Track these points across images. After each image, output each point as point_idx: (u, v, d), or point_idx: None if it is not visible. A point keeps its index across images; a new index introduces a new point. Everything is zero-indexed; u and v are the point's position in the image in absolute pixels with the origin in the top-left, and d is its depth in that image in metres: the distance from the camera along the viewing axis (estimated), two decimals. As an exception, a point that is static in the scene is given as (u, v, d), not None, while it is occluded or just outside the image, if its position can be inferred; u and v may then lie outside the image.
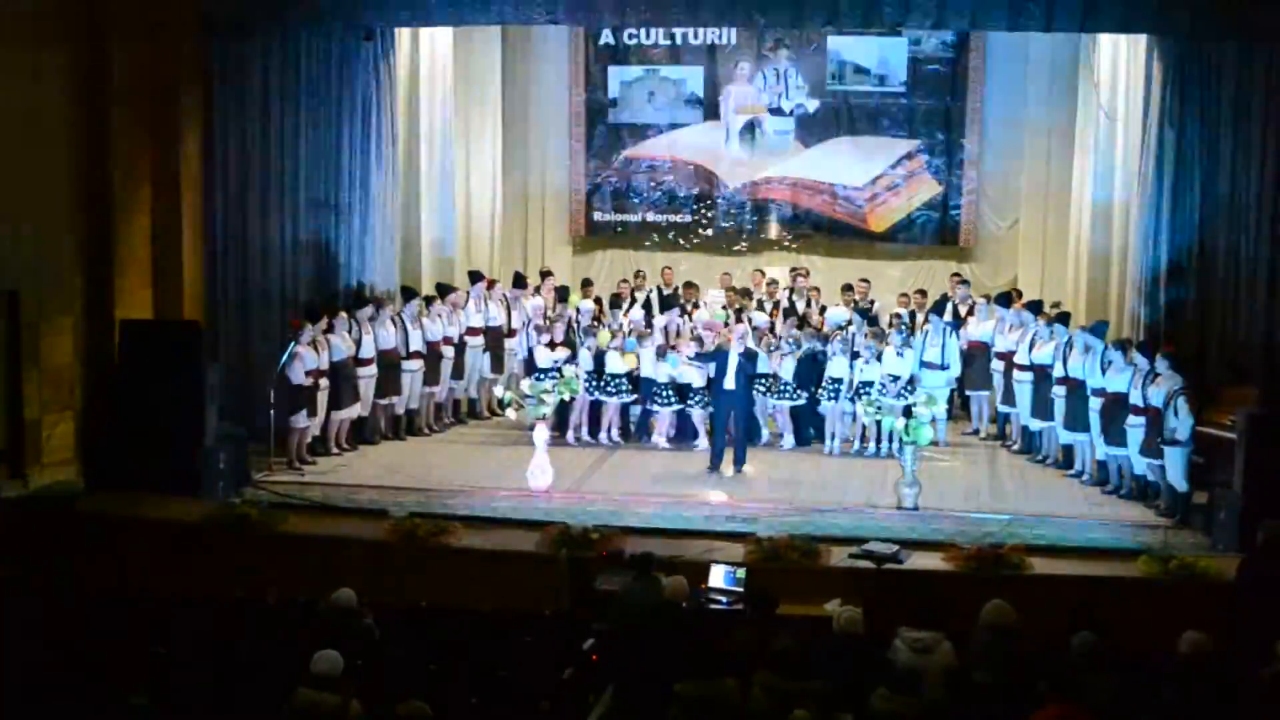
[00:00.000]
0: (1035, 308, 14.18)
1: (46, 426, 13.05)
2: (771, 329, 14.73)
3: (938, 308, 14.79)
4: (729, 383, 13.34)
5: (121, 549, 11.47)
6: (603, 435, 14.56)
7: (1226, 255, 13.28)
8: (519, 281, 15.95)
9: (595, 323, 15.00)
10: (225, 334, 14.34)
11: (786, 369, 13.99)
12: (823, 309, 15.46)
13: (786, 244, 17.40)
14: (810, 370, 14.09)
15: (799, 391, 14.09)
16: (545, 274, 16.43)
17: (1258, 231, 13.15)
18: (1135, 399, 12.11)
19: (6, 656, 8.11)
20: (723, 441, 13.52)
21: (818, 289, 16.10)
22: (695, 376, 14.01)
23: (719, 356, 13.48)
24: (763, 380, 14.07)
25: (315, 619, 8.76)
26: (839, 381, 13.95)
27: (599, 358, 14.25)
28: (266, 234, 14.39)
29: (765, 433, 14.49)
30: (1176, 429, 11.62)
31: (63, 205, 13.29)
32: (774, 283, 16.15)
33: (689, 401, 14.20)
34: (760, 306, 15.46)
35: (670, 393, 14.18)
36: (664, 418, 14.29)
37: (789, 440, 14.27)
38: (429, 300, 14.94)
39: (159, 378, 12.51)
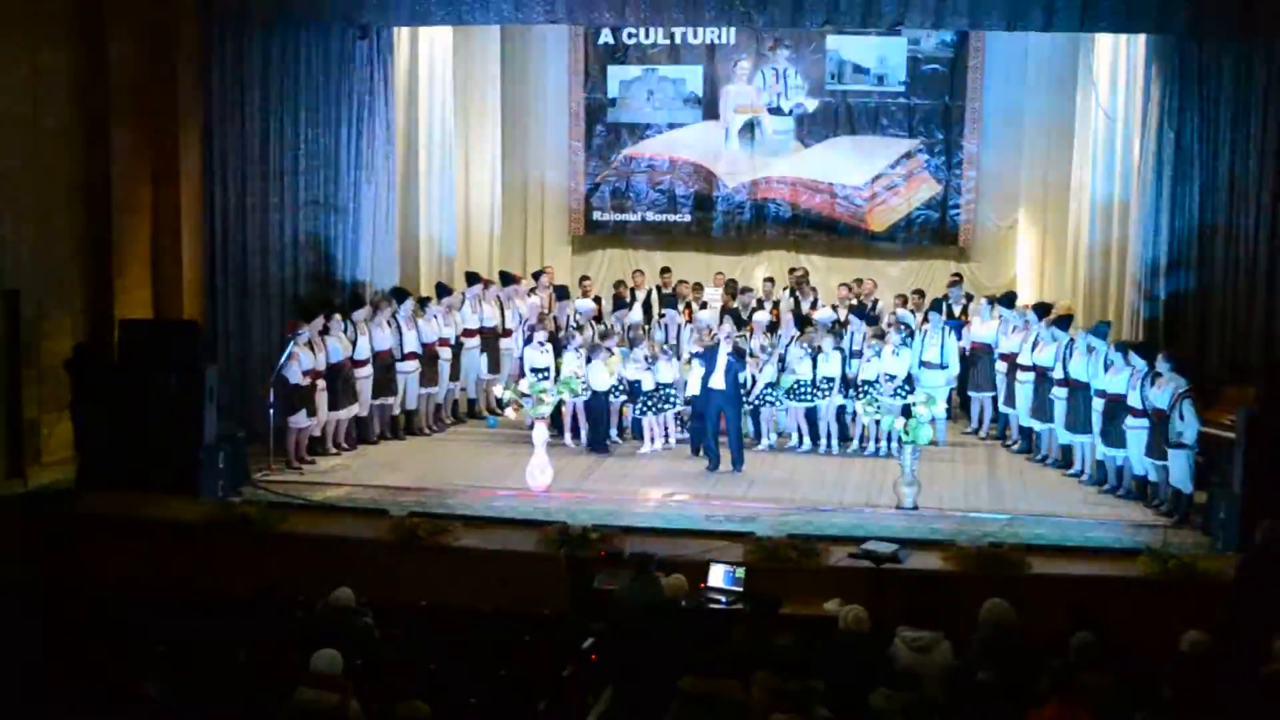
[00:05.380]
0: (1043, 310, 14.18)
1: (46, 425, 13.05)
2: (772, 328, 14.72)
3: (936, 306, 14.80)
4: (716, 381, 13.32)
5: (121, 549, 11.47)
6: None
7: (1226, 254, 13.29)
8: (507, 279, 15.95)
9: (594, 323, 15.00)
10: (225, 334, 14.34)
11: (802, 369, 13.96)
12: (813, 305, 15.53)
13: (785, 244, 17.44)
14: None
15: (815, 392, 14.06)
16: (538, 274, 16.44)
17: (1257, 231, 13.16)
18: (1134, 400, 12.10)
19: (5, 655, 8.11)
20: (716, 442, 13.51)
21: (815, 288, 16.14)
22: (645, 377, 13.97)
23: (708, 355, 13.48)
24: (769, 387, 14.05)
25: (314, 618, 8.78)
26: (830, 380, 13.95)
27: (589, 360, 14.20)
28: (266, 233, 14.38)
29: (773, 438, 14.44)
30: (1183, 433, 11.60)
31: (63, 205, 13.30)
32: (770, 280, 16.19)
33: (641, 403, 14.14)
34: (760, 306, 15.46)
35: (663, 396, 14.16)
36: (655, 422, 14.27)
37: (805, 441, 14.24)
38: (424, 301, 14.93)
39: (158, 377, 12.52)
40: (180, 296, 14.20)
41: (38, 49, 12.88)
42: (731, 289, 15.88)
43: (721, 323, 14.35)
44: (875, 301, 15.69)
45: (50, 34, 13.04)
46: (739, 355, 13.51)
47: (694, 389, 13.63)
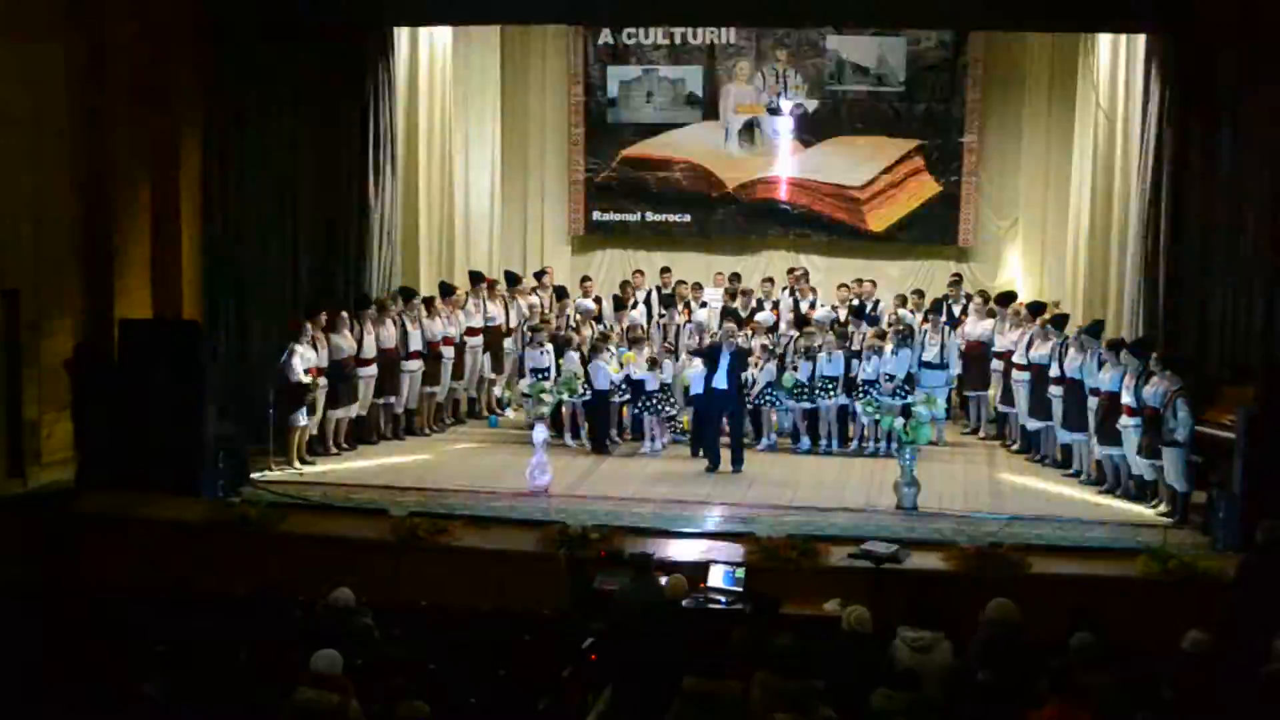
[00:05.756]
0: (1038, 309, 14.18)
1: (46, 425, 13.05)
2: (773, 328, 14.72)
3: (936, 307, 14.81)
4: (719, 381, 13.31)
5: (121, 549, 11.48)
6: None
7: (1225, 254, 13.28)
8: (512, 279, 15.96)
9: (594, 323, 15.00)
10: (225, 334, 14.33)
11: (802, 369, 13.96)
12: (811, 304, 15.53)
13: (785, 244, 17.43)
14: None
15: (816, 393, 14.05)
16: (539, 274, 16.45)
17: (1256, 231, 13.15)
18: (1127, 399, 12.11)
19: (5, 655, 8.12)
20: (717, 442, 13.50)
21: (814, 288, 16.14)
22: (649, 377, 13.94)
23: (710, 355, 13.47)
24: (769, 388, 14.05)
25: (314, 618, 8.78)
26: (833, 380, 13.96)
27: (586, 359, 14.18)
28: (266, 233, 14.38)
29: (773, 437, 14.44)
30: (1176, 430, 11.61)
31: (63, 205, 13.28)
32: (769, 281, 16.20)
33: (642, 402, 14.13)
34: (760, 306, 15.47)
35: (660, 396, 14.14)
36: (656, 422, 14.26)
37: (805, 441, 14.23)
38: (429, 301, 14.95)
39: (158, 377, 12.51)
40: (180, 296, 14.17)
41: (37, 48, 12.87)
42: (733, 286, 15.88)
43: (723, 322, 14.34)
44: (876, 302, 15.70)
45: (50, 33, 13.02)
46: (741, 355, 13.51)
47: (695, 388, 13.64)
